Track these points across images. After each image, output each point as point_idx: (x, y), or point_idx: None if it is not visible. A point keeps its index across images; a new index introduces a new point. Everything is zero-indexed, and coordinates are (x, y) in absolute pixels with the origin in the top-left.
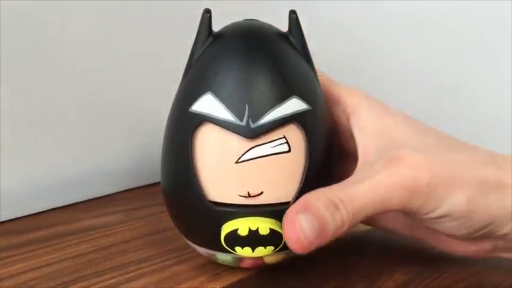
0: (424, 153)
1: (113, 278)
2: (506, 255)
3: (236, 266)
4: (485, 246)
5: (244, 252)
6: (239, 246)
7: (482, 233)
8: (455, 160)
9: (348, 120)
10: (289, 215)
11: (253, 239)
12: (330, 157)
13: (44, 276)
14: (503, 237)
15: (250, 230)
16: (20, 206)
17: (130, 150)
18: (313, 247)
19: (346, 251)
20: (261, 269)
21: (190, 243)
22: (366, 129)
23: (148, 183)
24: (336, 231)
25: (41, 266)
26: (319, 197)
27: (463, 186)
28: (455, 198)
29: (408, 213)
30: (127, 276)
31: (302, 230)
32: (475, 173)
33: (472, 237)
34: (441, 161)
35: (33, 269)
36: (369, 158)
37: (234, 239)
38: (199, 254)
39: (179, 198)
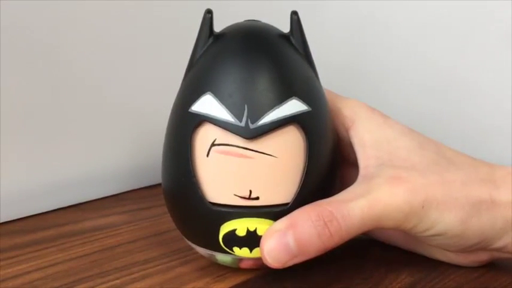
0: (422, 174)
1: (118, 278)
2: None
3: (236, 266)
4: (481, 257)
5: (242, 252)
6: (237, 246)
7: (476, 248)
8: (451, 180)
9: (347, 132)
10: (269, 233)
11: (251, 240)
12: (332, 159)
13: (49, 276)
14: (499, 249)
15: (248, 231)
16: (25, 206)
17: (136, 151)
18: (287, 265)
19: (350, 253)
20: (265, 270)
21: (190, 243)
22: (365, 141)
23: (154, 183)
24: (322, 248)
25: (46, 266)
26: (309, 213)
27: (456, 208)
28: (449, 220)
29: (402, 231)
30: (132, 276)
31: (272, 253)
32: (469, 193)
33: (466, 251)
34: (438, 181)
35: (37, 269)
36: (369, 172)
37: (232, 239)
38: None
39: (179, 199)
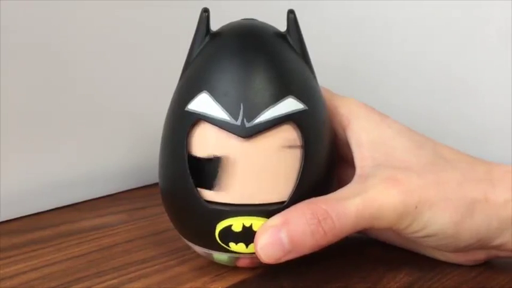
0: (418, 175)
1: (115, 278)
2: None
3: (233, 265)
4: (479, 256)
5: (238, 248)
6: (233, 242)
7: (473, 247)
8: (447, 180)
9: (344, 131)
10: (263, 229)
11: (247, 235)
12: (328, 158)
13: (46, 276)
14: (496, 247)
15: (243, 226)
16: (22, 205)
17: (133, 150)
18: (281, 261)
19: (348, 251)
20: (263, 269)
21: (187, 242)
22: (361, 140)
23: (152, 183)
24: (316, 245)
25: (43, 266)
26: (303, 211)
27: (450, 209)
28: (442, 221)
29: (395, 231)
30: (129, 276)
31: (265, 248)
32: (464, 194)
33: (463, 251)
34: (433, 182)
35: (35, 269)
36: (365, 172)
37: (228, 234)
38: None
39: (175, 197)
